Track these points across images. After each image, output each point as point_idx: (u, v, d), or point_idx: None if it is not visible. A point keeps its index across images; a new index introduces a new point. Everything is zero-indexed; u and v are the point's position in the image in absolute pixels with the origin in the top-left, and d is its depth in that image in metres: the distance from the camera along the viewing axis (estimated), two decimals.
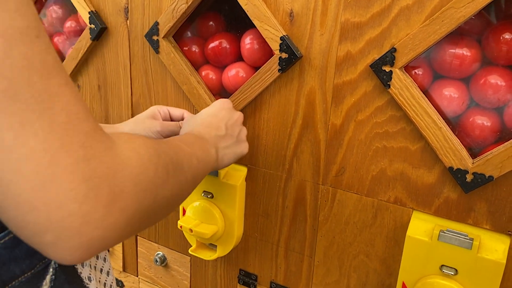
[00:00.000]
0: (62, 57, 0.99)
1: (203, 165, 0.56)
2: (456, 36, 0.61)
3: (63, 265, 0.42)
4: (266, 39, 0.71)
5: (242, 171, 0.81)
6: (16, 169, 0.29)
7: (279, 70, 0.71)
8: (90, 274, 0.47)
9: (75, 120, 0.32)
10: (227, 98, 0.79)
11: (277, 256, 0.84)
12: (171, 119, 0.76)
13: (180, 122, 0.75)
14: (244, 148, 0.69)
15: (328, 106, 0.70)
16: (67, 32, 0.98)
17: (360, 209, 0.72)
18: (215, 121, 0.66)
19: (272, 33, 0.70)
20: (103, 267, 0.52)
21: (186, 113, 0.76)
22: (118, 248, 1.06)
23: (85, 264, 0.47)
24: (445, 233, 0.63)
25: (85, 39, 0.89)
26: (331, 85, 0.69)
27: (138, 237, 1.02)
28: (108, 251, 1.07)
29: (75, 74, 0.96)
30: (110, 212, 0.33)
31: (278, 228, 0.82)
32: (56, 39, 1.01)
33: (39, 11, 1.00)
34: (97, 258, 0.51)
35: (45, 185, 0.29)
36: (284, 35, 0.69)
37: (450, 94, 0.64)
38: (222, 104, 0.70)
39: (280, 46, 0.69)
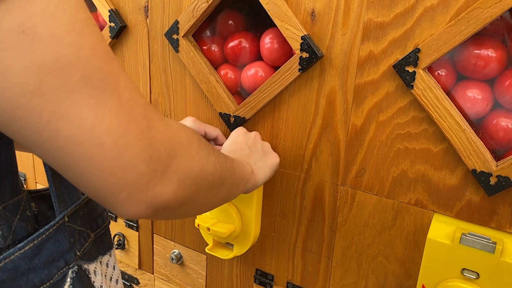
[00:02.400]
0: None
1: (240, 168, 0.60)
2: (481, 37, 0.60)
3: (79, 274, 0.44)
4: (287, 39, 0.70)
5: None
6: (99, 143, 0.33)
7: (299, 69, 0.71)
8: (102, 283, 0.49)
9: (134, 96, 0.36)
10: (246, 97, 0.79)
11: (294, 256, 0.83)
12: (204, 137, 0.78)
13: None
14: (274, 157, 0.72)
15: (349, 106, 0.69)
16: None
17: (379, 211, 0.71)
18: (236, 146, 0.71)
19: (293, 33, 0.69)
20: (112, 275, 0.53)
21: (220, 134, 0.81)
22: (134, 245, 1.07)
23: (97, 273, 0.48)
24: (467, 236, 0.62)
25: (105, 37, 0.90)
26: (352, 85, 0.68)
27: (154, 234, 1.02)
28: (124, 247, 1.08)
29: None
30: (167, 172, 0.39)
31: (296, 228, 0.81)
32: None
33: None
34: (107, 266, 0.51)
35: (121, 152, 0.34)
36: (305, 35, 0.68)
37: (474, 96, 0.63)
38: (237, 132, 0.76)
39: (301, 45, 0.69)
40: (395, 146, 0.67)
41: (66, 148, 0.33)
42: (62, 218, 0.43)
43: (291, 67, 0.72)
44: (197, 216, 0.85)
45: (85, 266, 0.46)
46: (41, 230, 0.41)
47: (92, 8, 0.96)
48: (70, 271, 0.43)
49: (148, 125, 0.37)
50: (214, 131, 0.79)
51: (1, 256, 0.37)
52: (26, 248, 0.39)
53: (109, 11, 0.87)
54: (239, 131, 0.76)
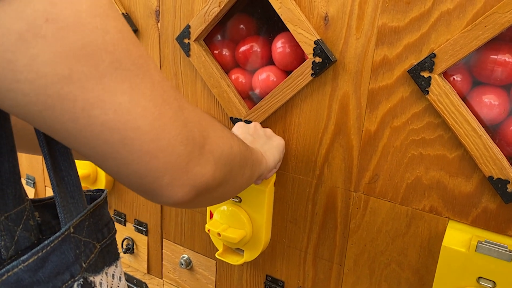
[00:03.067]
0: None
1: (253, 150, 0.61)
2: (498, 42, 0.60)
3: (84, 287, 0.42)
4: (300, 43, 0.70)
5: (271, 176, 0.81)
6: (136, 127, 0.33)
7: (312, 74, 0.70)
8: None
9: (164, 78, 0.36)
10: (257, 101, 0.79)
11: (305, 262, 0.82)
12: None
13: None
14: (278, 139, 0.74)
15: (363, 111, 0.69)
16: None
17: (393, 218, 0.70)
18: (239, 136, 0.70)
19: (306, 37, 0.69)
20: (118, 286, 0.52)
21: None
22: (143, 250, 1.06)
23: (103, 285, 0.47)
24: (483, 244, 0.61)
25: None
26: (366, 90, 0.67)
27: (163, 239, 1.02)
28: (133, 251, 1.08)
29: None
30: (203, 152, 0.39)
31: (307, 234, 0.80)
32: None
33: None
34: (113, 277, 0.50)
35: (159, 135, 0.34)
36: (318, 39, 0.68)
37: (490, 101, 0.62)
38: (236, 126, 0.76)
39: (314, 50, 0.68)
40: (409, 152, 0.66)
41: (104, 135, 0.32)
42: (68, 229, 0.41)
43: (304, 71, 0.71)
44: (208, 221, 0.85)
45: (91, 278, 0.44)
46: (46, 242, 0.39)
47: None
48: (75, 284, 0.41)
49: (180, 106, 0.37)
50: None
51: (4, 269, 0.36)
52: (30, 260, 0.37)
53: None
54: (238, 125, 0.76)
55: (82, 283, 0.42)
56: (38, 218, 0.45)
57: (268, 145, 0.70)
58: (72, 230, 0.42)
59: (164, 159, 0.35)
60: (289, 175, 0.79)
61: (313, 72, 0.70)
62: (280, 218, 0.83)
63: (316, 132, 0.74)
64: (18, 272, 0.36)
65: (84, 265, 0.43)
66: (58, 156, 0.43)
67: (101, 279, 0.47)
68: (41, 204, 0.46)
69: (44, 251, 0.39)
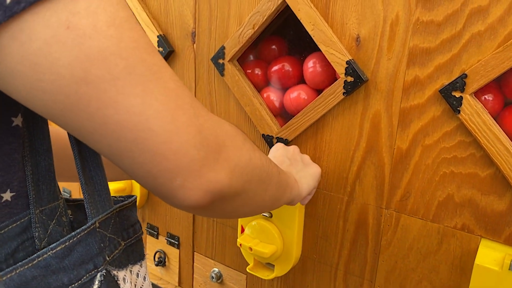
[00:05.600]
0: None
1: (284, 173, 0.61)
2: None
3: (107, 279, 0.46)
4: (332, 63, 0.72)
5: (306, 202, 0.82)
6: (147, 128, 0.35)
7: (343, 93, 0.72)
8: None
9: (180, 86, 0.38)
10: (288, 119, 0.81)
11: (335, 279, 0.83)
12: None
13: None
14: (316, 167, 0.74)
15: (394, 130, 0.70)
16: None
17: (424, 235, 0.71)
18: (276, 160, 0.72)
19: (338, 57, 0.71)
20: (142, 286, 0.54)
21: None
22: (175, 262, 1.09)
23: (126, 281, 0.50)
24: None
25: None
26: (397, 109, 0.69)
27: (195, 252, 1.04)
28: (164, 264, 1.10)
29: None
30: (218, 160, 0.40)
31: (338, 251, 0.81)
32: None
33: None
34: (138, 276, 0.53)
35: (171, 137, 0.36)
36: (350, 59, 0.70)
37: None
38: (275, 147, 0.78)
39: (345, 70, 0.71)
40: (441, 170, 0.67)
41: (117, 133, 0.35)
42: (94, 224, 0.45)
43: (335, 90, 0.73)
44: (239, 236, 0.87)
45: (114, 272, 0.48)
46: (73, 233, 0.43)
47: None
48: (98, 274, 0.45)
49: (196, 113, 0.38)
50: None
51: (35, 255, 0.41)
52: (58, 248, 0.42)
53: (157, 36, 0.92)
54: (277, 146, 0.78)
55: (104, 274, 0.46)
56: (71, 216, 0.49)
57: (303, 172, 0.71)
58: (97, 224, 0.46)
59: (176, 161, 0.36)
60: (320, 191, 0.81)
61: (345, 91, 0.72)
62: (311, 234, 0.84)
63: (348, 149, 0.76)
64: (47, 258, 0.41)
65: (107, 259, 0.47)
66: (88, 157, 0.47)
67: (125, 275, 0.50)
68: (74, 204, 0.50)
69: (71, 241, 0.43)
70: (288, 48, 0.86)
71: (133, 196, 0.54)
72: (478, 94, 0.63)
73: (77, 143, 0.46)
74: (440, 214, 0.69)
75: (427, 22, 0.64)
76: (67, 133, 0.44)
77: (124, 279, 0.49)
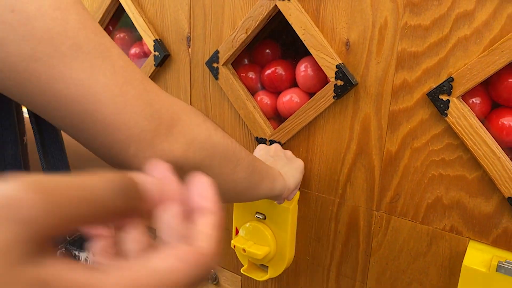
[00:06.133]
0: None
1: (264, 164, 0.62)
2: None
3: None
4: (322, 67, 0.73)
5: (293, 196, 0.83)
6: (97, 100, 0.37)
7: (334, 96, 0.73)
8: None
9: (130, 65, 0.40)
10: (282, 122, 0.82)
11: (328, 280, 0.84)
12: None
13: None
14: (299, 161, 0.77)
15: (383, 132, 0.71)
16: (132, 57, 1.04)
17: (414, 237, 0.72)
18: (260, 158, 0.72)
19: (328, 61, 0.72)
20: None
21: None
22: None
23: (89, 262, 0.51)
24: (504, 264, 0.61)
25: (149, 65, 0.95)
26: (386, 112, 0.70)
27: None
28: None
29: None
30: (172, 132, 0.42)
31: (330, 252, 0.82)
32: None
33: None
34: None
35: (121, 109, 0.38)
36: (340, 63, 0.71)
37: (510, 124, 0.63)
38: (258, 148, 0.80)
39: (335, 73, 0.72)
40: (429, 172, 0.68)
41: (70, 106, 0.37)
42: None
43: (326, 94, 0.74)
44: (233, 237, 0.88)
45: (75, 252, 0.51)
46: None
47: (138, 37, 1.02)
48: (58, 252, 0.48)
49: (146, 88, 0.40)
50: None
51: None
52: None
53: (154, 41, 0.93)
54: (260, 146, 0.80)
55: (63, 252, 0.48)
56: None
57: (288, 167, 0.73)
58: None
59: (127, 131, 0.39)
60: (312, 193, 0.82)
61: (335, 94, 0.73)
62: (304, 236, 0.85)
63: (339, 152, 0.77)
64: None
65: (68, 238, 0.48)
66: (50, 145, 0.49)
67: (87, 257, 0.51)
68: None
69: None
70: (281, 52, 0.87)
71: None
72: (465, 97, 0.64)
73: (39, 132, 0.48)
74: (429, 216, 0.70)
75: (414, 26, 0.65)
76: (29, 119, 0.47)
77: (86, 260, 0.51)
